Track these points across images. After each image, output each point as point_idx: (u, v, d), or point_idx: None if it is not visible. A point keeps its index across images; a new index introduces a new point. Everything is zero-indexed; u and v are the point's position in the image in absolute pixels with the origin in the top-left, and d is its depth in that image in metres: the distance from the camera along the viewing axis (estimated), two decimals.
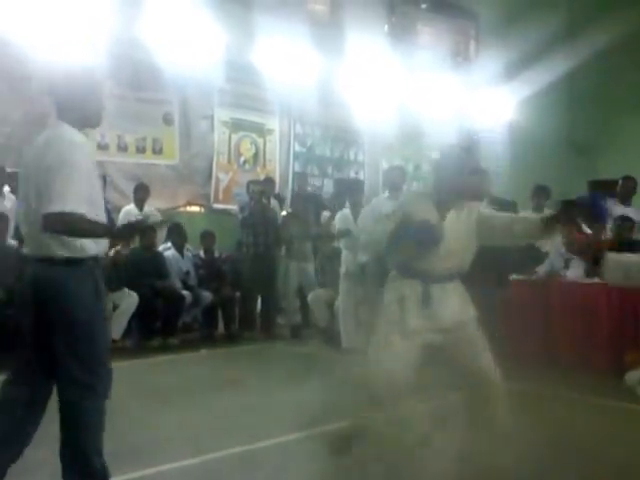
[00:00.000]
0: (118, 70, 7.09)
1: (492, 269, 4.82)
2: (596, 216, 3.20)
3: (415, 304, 3.04)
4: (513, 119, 11.06)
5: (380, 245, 3.43)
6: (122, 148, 7.56)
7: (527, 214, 7.31)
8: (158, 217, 7.29)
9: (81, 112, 2.70)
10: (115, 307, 6.26)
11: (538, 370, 5.46)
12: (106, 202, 3.24)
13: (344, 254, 6.57)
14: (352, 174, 9.74)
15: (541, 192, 7.38)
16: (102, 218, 2.69)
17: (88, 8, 6.82)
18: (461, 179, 3.06)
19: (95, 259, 2.66)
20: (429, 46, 10.47)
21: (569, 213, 2.99)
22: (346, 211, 6.80)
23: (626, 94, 11.53)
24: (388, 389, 3.00)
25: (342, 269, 6.54)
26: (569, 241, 3.00)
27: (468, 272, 3.42)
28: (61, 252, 2.57)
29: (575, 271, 6.19)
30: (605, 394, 4.64)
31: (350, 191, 7.22)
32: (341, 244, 6.72)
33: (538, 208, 7.33)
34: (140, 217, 6.63)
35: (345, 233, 6.55)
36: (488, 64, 10.47)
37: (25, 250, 2.74)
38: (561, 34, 11.76)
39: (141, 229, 3.05)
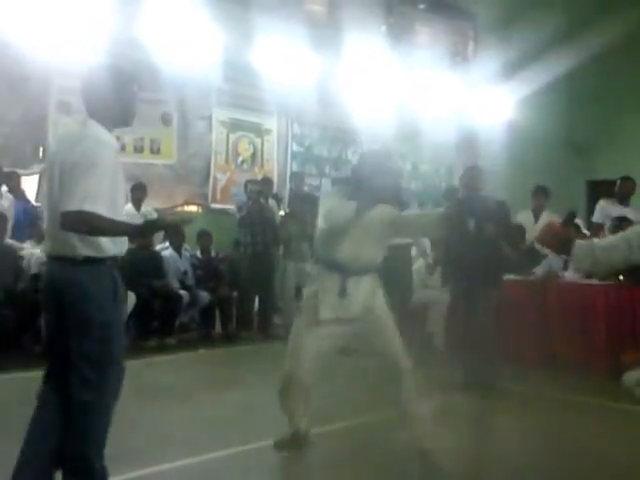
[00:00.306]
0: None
1: (490, 270, 4.82)
2: (476, 216, 3.62)
3: (332, 295, 3.36)
4: (512, 119, 11.06)
5: None
6: (120, 148, 7.55)
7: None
8: (155, 216, 7.32)
9: (113, 112, 2.69)
10: None
11: (536, 371, 5.49)
12: None
13: None
14: (346, 173, 9.74)
15: (541, 192, 7.39)
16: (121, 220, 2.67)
17: (86, 8, 6.82)
18: (377, 182, 3.32)
19: (114, 259, 2.65)
20: (427, 46, 10.46)
21: (458, 210, 3.35)
22: None
23: (625, 95, 11.54)
24: (299, 374, 3.41)
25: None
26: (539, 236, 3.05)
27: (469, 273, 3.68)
28: (80, 251, 2.55)
29: (573, 272, 6.21)
30: (603, 395, 4.65)
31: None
32: None
33: (538, 208, 7.35)
34: (148, 216, 6.66)
35: None
36: (486, 64, 10.47)
37: (45, 248, 2.74)
38: (559, 34, 11.76)
39: (161, 227, 3.05)
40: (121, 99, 2.72)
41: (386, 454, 3.64)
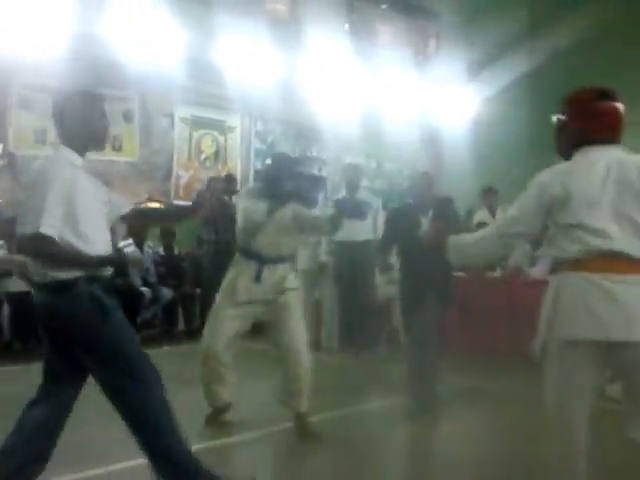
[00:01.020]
0: (77, 67, 7.02)
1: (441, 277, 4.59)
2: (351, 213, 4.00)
3: (249, 280, 3.86)
4: (476, 117, 11.22)
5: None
6: None
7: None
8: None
9: (84, 138, 2.69)
10: None
11: (502, 366, 5.54)
12: None
13: (299, 252, 6.60)
14: (315, 171, 9.79)
15: (489, 193, 7.61)
16: (97, 235, 2.61)
17: (48, 4, 6.77)
18: (284, 184, 3.87)
19: (88, 278, 2.57)
20: (389, 45, 10.57)
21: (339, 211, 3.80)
22: None
23: None
24: (217, 350, 3.89)
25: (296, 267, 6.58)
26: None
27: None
28: (52, 275, 2.53)
29: (540, 268, 6.28)
30: None
31: (309, 188, 7.24)
32: None
33: (491, 208, 7.54)
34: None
35: None
36: (450, 63, 10.62)
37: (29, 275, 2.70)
38: (522, 32, 11.99)
39: (125, 265, 3.00)
40: (92, 124, 2.72)
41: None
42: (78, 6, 6.93)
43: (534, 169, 9.81)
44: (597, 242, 2.26)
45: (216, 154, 8.66)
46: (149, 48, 7.54)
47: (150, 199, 7.95)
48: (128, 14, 7.40)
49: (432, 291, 4.39)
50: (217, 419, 4.04)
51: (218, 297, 4.03)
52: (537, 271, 6.31)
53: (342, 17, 9.89)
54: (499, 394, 4.95)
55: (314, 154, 9.90)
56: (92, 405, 4.15)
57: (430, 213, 4.50)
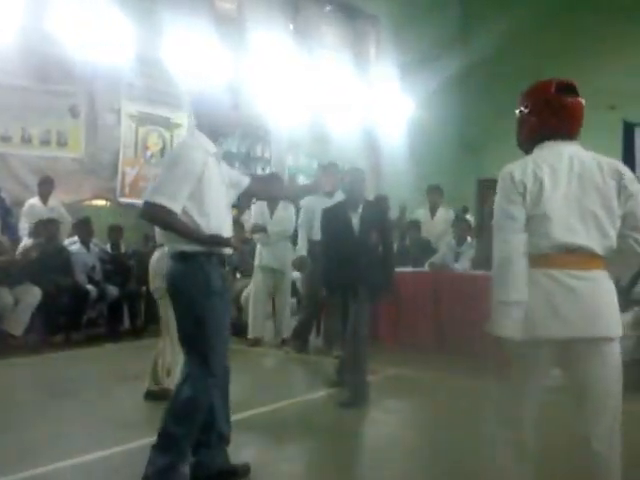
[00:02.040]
0: (24, 61, 6.92)
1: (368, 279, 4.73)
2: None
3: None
4: (412, 118, 11.57)
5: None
6: (26, 140, 7.36)
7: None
8: (62, 210, 7.22)
9: (212, 128, 2.97)
10: (17, 302, 6.15)
11: (430, 356, 5.81)
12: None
13: (258, 248, 6.72)
14: (259, 170, 9.90)
15: (434, 191, 7.91)
16: (219, 219, 2.89)
17: None
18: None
19: (207, 253, 2.84)
20: (332, 46, 10.79)
21: None
22: (262, 206, 6.84)
23: (511, 97, 12.32)
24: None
25: (256, 262, 6.70)
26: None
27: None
28: (177, 246, 2.84)
29: (463, 263, 6.65)
30: (494, 379, 5.00)
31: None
32: (255, 238, 6.82)
33: (433, 206, 7.86)
34: (48, 216, 6.61)
35: (260, 229, 6.69)
36: (388, 65, 10.94)
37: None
38: (453, 37, 12.46)
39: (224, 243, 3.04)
40: (221, 114, 3.00)
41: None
42: (26, 1, 6.81)
43: (461, 169, 10.40)
44: (564, 237, 2.26)
45: (162, 151, 8.63)
46: (96, 44, 7.47)
47: (96, 196, 7.94)
48: (76, 10, 7.29)
49: (363, 284, 4.57)
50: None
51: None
52: (460, 266, 6.59)
53: (287, 17, 10.03)
54: (425, 383, 5.20)
55: (258, 154, 10.01)
56: (42, 402, 4.23)
57: (360, 208, 4.73)
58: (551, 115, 2.41)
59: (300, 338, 6.43)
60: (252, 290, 6.71)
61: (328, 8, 10.75)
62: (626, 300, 5.55)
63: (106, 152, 8.04)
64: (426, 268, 6.74)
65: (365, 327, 4.59)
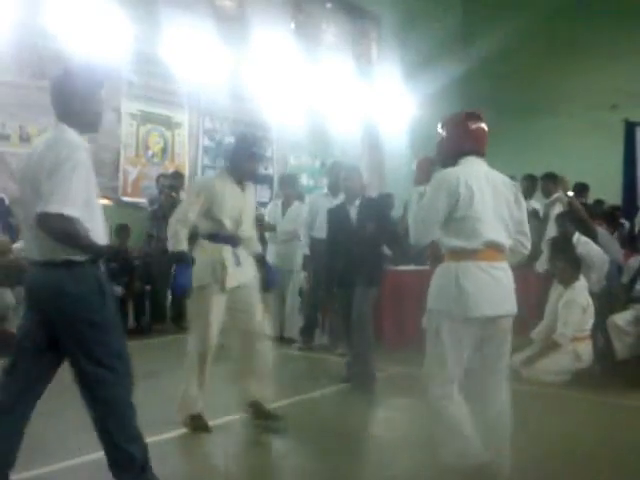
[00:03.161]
0: (22, 59, 6.92)
1: (370, 268, 4.86)
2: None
3: (232, 264, 3.72)
4: (413, 118, 11.60)
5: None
6: (24, 139, 7.34)
7: None
8: None
9: (82, 116, 2.69)
10: (19, 302, 6.14)
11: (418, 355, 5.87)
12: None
13: (269, 247, 6.74)
14: (262, 169, 9.90)
15: None
16: (98, 221, 2.65)
17: None
18: (246, 162, 3.84)
19: (94, 260, 2.64)
20: (334, 45, 10.80)
21: None
22: (277, 204, 6.86)
23: (513, 98, 12.40)
24: (209, 344, 3.74)
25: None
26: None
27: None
28: (61, 255, 2.55)
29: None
30: None
31: (283, 184, 7.30)
32: (267, 237, 6.87)
33: None
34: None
35: (271, 228, 6.74)
36: (390, 64, 10.96)
37: (25, 254, 2.73)
38: (455, 38, 12.49)
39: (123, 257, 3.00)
40: (91, 103, 2.71)
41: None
42: None
43: None
44: (490, 235, 2.83)
45: (163, 150, 8.64)
46: (97, 42, 7.46)
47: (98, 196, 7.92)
48: (76, 7, 7.29)
49: (360, 272, 4.71)
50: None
51: (198, 287, 3.72)
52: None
53: (288, 16, 10.04)
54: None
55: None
56: (49, 401, 4.23)
57: (357, 203, 4.86)
58: (461, 138, 2.95)
59: (306, 334, 6.45)
60: None
61: (329, 6, 10.76)
62: (627, 298, 5.59)
63: (107, 151, 8.03)
64: (429, 266, 6.73)
65: (366, 312, 4.72)
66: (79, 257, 2.58)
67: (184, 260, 3.62)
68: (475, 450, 2.81)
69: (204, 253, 3.73)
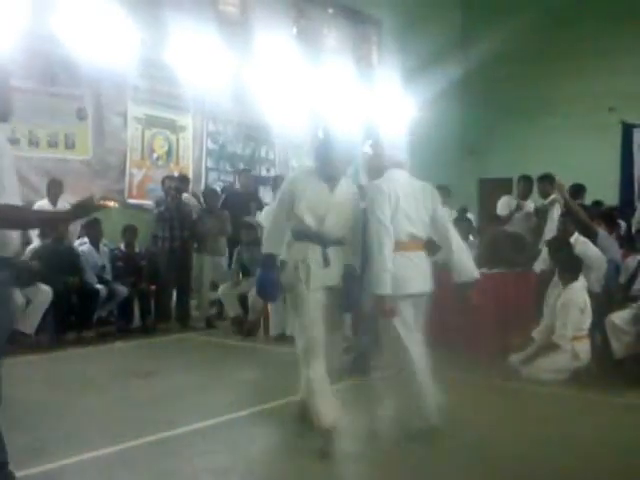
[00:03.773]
0: (31, 64, 7.03)
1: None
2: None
3: (317, 264, 3.51)
4: (413, 120, 11.72)
5: None
6: (33, 143, 7.48)
7: None
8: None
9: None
10: (28, 302, 6.26)
11: (430, 353, 5.95)
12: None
13: None
14: (264, 171, 10.04)
15: (442, 192, 8.06)
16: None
17: (2, 1, 6.74)
18: (342, 157, 3.64)
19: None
20: (335, 50, 10.93)
21: None
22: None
23: (511, 100, 12.55)
24: (314, 339, 3.46)
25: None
26: None
27: None
28: None
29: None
30: (492, 374, 5.05)
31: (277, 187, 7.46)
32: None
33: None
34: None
35: None
36: (390, 68, 11.08)
37: None
38: (454, 42, 12.62)
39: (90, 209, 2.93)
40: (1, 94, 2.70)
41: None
42: (32, 4, 6.92)
43: (462, 170, 10.59)
44: (414, 229, 3.66)
45: (168, 153, 8.78)
46: (103, 47, 7.60)
47: (104, 198, 8.02)
48: (83, 13, 7.41)
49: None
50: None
51: (290, 287, 3.58)
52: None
53: (291, 21, 10.17)
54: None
55: (263, 155, 10.15)
56: (57, 399, 4.31)
57: None
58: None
59: None
60: None
61: (331, 11, 10.89)
62: (624, 297, 5.68)
63: (113, 154, 8.17)
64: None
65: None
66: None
67: (268, 263, 3.55)
68: None
69: (292, 251, 3.59)
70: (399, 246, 3.61)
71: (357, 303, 3.77)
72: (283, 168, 10.10)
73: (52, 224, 2.74)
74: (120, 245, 7.42)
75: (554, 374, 5.00)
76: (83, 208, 2.86)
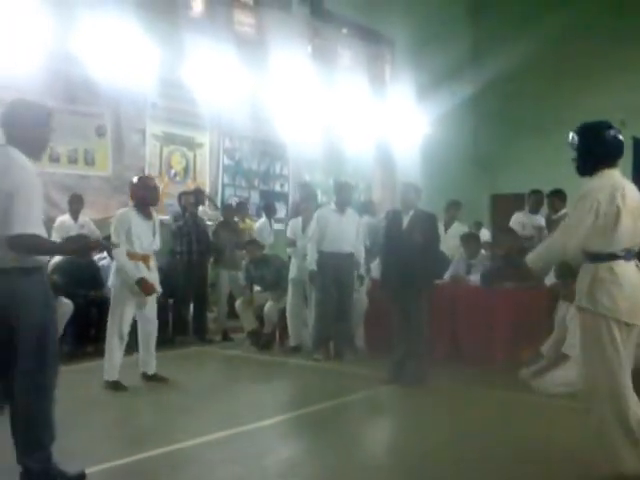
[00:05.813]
0: (52, 84, 7.22)
1: (421, 273, 5.39)
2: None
3: None
4: (426, 137, 11.85)
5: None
6: (54, 159, 7.66)
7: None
8: (92, 227, 7.50)
9: (31, 144, 2.97)
10: None
11: (443, 365, 5.84)
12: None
13: (292, 261, 7.03)
14: (277, 187, 10.20)
15: (453, 206, 8.20)
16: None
17: (23, 21, 6.92)
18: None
19: (43, 267, 3.05)
20: (349, 68, 11.11)
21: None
22: (298, 220, 7.12)
23: (524, 116, 12.64)
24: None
25: (290, 275, 6.98)
26: None
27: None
28: (14, 263, 2.86)
29: (476, 276, 6.74)
30: (503, 387, 5.14)
31: (307, 199, 7.62)
32: (288, 252, 7.20)
33: (449, 220, 8.12)
34: (79, 232, 6.89)
35: (291, 243, 7.06)
36: (403, 86, 11.23)
37: None
38: (467, 59, 12.76)
39: (90, 247, 3.62)
40: (40, 134, 3.01)
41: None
42: (52, 23, 7.11)
43: (474, 186, 10.71)
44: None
45: (185, 169, 8.95)
46: (122, 66, 7.78)
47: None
48: (102, 32, 7.61)
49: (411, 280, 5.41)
50: None
51: None
52: (473, 278, 6.68)
53: (305, 40, 10.36)
54: (442, 393, 5.30)
55: (277, 171, 10.31)
56: (75, 410, 4.36)
57: (411, 213, 5.61)
58: None
59: (321, 346, 6.56)
60: (288, 302, 7.00)
61: (345, 31, 11.08)
62: None
63: (132, 171, 8.30)
64: (446, 279, 6.90)
65: (422, 312, 5.42)
66: (34, 264, 2.94)
67: None
68: None
69: None
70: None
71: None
72: (296, 183, 10.24)
73: (63, 254, 3.33)
74: None
75: (564, 387, 5.03)
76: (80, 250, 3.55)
